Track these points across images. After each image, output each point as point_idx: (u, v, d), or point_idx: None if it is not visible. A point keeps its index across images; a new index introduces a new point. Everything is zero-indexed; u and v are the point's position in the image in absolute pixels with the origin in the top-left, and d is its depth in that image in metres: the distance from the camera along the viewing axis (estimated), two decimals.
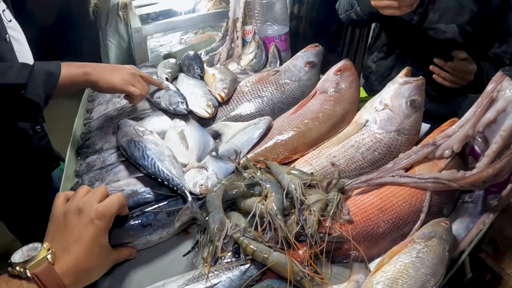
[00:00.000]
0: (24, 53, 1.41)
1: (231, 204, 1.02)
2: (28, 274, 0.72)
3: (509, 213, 1.06)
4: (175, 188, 1.02)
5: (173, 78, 1.57)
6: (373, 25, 1.99)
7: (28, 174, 1.51)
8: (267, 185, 0.97)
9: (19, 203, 1.54)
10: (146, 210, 0.99)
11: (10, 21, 1.36)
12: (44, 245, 0.76)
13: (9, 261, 0.75)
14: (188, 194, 0.99)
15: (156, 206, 1.01)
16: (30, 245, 0.77)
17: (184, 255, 0.95)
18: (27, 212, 1.60)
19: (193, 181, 1.06)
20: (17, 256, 0.75)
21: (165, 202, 1.02)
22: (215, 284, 0.82)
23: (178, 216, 0.95)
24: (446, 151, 0.99)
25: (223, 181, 1.02)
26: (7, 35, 1.27)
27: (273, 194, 0.94)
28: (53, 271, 0.75)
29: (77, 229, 0.81)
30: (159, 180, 1.05)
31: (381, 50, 1.87)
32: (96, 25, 3.66)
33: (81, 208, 0.83)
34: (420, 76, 1.14)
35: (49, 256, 0.75)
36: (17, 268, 0.72)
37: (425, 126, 1.20)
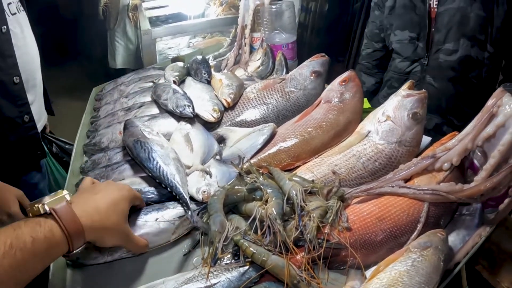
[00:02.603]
0: (26, 47, 1.43)
1: (232, 208, 1.03)
2: (47, 209, 0.73)
3: (507, 227, 1.07)
4: (177, 197, 1.04)
5: (180, 82, 1.58)
6: None
7: (15, 161, 1.50)
8: (268, 190, 0.98)
9: None
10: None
11: (14, 14, 1.39)
12: (65, 192, 0.79)
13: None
14: (189, 205, 1.00)
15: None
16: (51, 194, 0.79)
17: (184, 255, 0.97)
18: None
19: (196, 186, 1.07)
20: (36, 201, 0.77)
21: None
22: (214, 284, 0.83)
23: (175, 228, 0.96)
24: (445, 164, 1.00)
25: (225, 185, 1.04)
26: (4, 27, 1.30)
27: (273, 199, 0.95)
28: (71, 209, 0.76)
29: (103, 190, 0.86)
30: (163, 185, 1.07)
31: (392, 86, 1.82)
32: (104, 25, 3.69)
33: (110, 182, 0.93)
34: (423, 90, 1.14)
35: (67, 196, 0.78)
36: (35, 205, 0.74)
37: (426, 139, 1.22)
